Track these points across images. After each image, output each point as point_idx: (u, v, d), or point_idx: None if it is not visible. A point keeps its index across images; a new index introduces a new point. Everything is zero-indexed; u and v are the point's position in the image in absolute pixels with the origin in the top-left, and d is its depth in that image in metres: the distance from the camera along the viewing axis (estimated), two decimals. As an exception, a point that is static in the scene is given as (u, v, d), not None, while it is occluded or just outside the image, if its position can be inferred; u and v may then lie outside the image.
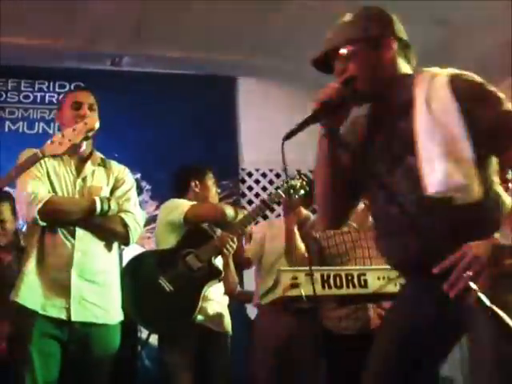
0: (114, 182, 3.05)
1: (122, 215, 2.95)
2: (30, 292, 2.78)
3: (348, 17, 2.01)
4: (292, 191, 3.43)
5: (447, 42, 4.85)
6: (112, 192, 3.02)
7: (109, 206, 2.89)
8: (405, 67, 2.00)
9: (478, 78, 1.88)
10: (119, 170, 3.13)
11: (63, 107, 3.06)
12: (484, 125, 1.78)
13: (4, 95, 5.26)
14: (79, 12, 4.64)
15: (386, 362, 1.98)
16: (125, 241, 3.00)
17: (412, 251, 1.84)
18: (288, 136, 1.86)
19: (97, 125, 2.61)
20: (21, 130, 5.23)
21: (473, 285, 1.59)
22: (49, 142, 2.59)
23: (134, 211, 3.02)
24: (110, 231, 2.95)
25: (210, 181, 3.69)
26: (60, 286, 2.80)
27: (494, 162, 1.89)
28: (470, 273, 1.60)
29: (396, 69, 1.98)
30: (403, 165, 1.88)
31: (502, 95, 1.83)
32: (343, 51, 1.95)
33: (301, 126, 1.88)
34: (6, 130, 5.17)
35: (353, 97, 1.93)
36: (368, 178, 1.99)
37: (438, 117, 1.81)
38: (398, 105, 1.94)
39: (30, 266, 2.83)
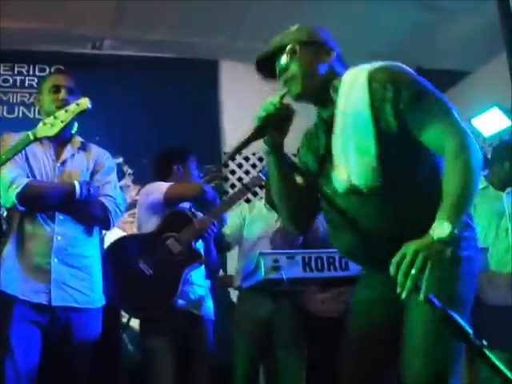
0: (94, 166, 3.03)
1: (102, 199, 2.93)
2: (10, 277, 2.77)
3: (294, 26, 2.15)
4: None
5: (433, 24, 4.84)
6: (92, 176, 3.00)
7: (88, 190, 2.87)
8: (340, 72, 2.10)
9: (394, 68, 1.99)
10: (99, 153, 3.10)
11: (42, 91, 3.03)
12: (400, 109, 1.89)
13: (-16, 78, 5.21)
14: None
15: (356, 363, 2.10)
16: (105, 225, 2.99)
17: (351, 242, 2.02)
18: (231, 156, 2.05)
19: (89, 105, 2.60)
20: (0, 114, 5.17)
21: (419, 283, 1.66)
22: (41, 124, 2.58)
23: (115, 195, 3.00)
24: (90, 215, 2.93)
25: (193, 164, 3.66)
26: (40, 271, 2.79)
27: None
28: (413, 271, 1.67)
29: (332, 76, 2.08)
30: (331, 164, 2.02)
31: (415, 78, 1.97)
32: (286, 51, 2.06)
33: (242, 145, 1.97)
34: (-14, 114, 5.12)
35: (288, 111, 2.02)
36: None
37: (350, 115, 1.96)
38: (329, 109, 2.06)
39: (10, 251, 2.81)
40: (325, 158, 2.07)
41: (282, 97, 2.02)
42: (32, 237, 2.83)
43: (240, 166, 5.70)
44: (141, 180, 5.16)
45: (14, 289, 2.75)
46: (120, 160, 5.16)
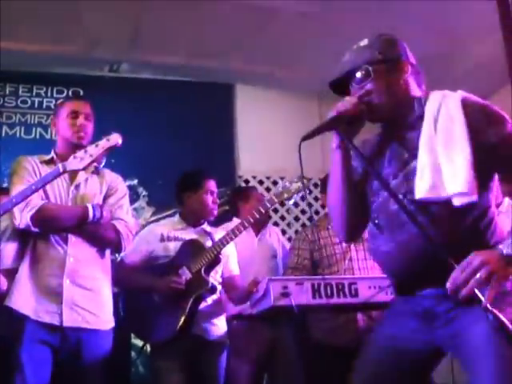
0: (107, 190, 3.08)
1: (115, 222, 2.98)
2: (23, 297, 2.81)
3: (364, 41, 2.13)
4: (286, 195, 3.40)
5: (447, 51, 4.86)
6: (105, 200, 3.05)
7: (101, 213, 2.92)
8: (416, 90, 2.10)
9: (484, 102, 2.00)
10: (112, 177, 3.15)
11: (60, 114, 3.10)
12: (492, 141, 1.89)
13: (1, 100, 5.25)
14: (78, 18, 4.65)
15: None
16: (117, 248, 3.03)
17: (395, 249, 1.97)
18: (304, 138, 1.93)
19: (119, 141, 2.66)
20: (18, 135, 5.22)
21: (478, 291, 1.64)
22: (71, 157, 2.65)
23: (127, 219, 3.05)
24: (103, 238, 2.98)
25: (204, 191, 3.65)
26: (52, 292, 2.83)
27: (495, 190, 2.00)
28: (478, 277, 1.65)
29: (409, 91, 2.08)
30: (406, 169, 1.99)
31: (507, 116, 1.95)
32: (361, 72, 2.06)
33: (317, 130, 1.97)
34: (3, 134, 5.16)
35: (369, 113, 2.03)
36: (374, 181, 2.09)
37: (442, 129, 1.93)
38: (409, 122, 2.05)
39: (23, 271, 2.85)
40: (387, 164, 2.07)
41: (361, 99, 2.02)
42: (45, 258, 2.87)
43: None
44: (155, 201, 5.22)
45: (26, 308, 2.79)
46: (135, 182, 5.21)
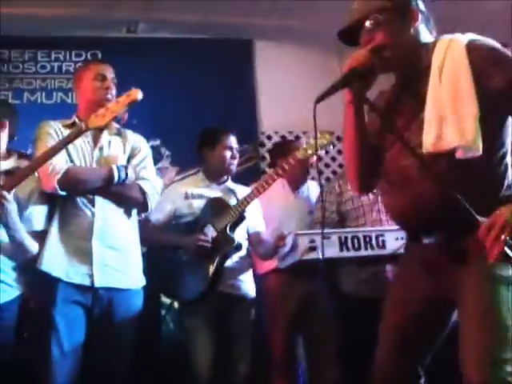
0: (131, 151, 3.09)
1: (140, 182, 3.00)
2: (54, 260, 2.86)
3: None
4: (310, 151, 3.37)
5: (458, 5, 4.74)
6: (129, 160, 3.06)
7: (126, 174, 2.94)
8: (427, 37, 2.06)
9: (494, 43, 1.94)
10: (135, 138, 3.16)
11: (84, 77, 3.08)
12: (499, 86, 1.85)
13: (21, 66, 5.25)
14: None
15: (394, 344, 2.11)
16: (143, 207, 3.05)
17: (423, 200, 1.95)
18: (319, 99, 1.90)
19: (139, 96, 2.65)
20: (39, 101, 5.23)
21: (507, 248, 1.66)
22: (93, 115, 2.65)
23: (152, 178, 3.06)
24: (129, 198, 3.00)
25: (222, 147, 3.65)
26: (82, 253, 2.88)
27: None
28: (503, 237, 1.66)
29: (420, 38, 2.04)
30: (417, 120, 1.97)
31: None
32: (370, 21, 2.00)
33: (331, 90, 1.93)
34: (25, 101, 5.17)
35: (381, 64, 1.98)
36: (387, 134, 2.07)
37: (447, 79, 1.89)
38: (419, 71, 2.00)
39: (53, 233, 2.90)
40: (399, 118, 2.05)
41: (372, 51, 1.97)
42: (73, 220, 2.91)
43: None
44: (178, 162, 5.22)
45: (58, 271, 2.84)
46: (157, 142, 5.21)
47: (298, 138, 5.40)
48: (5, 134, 2.97)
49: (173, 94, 5.33)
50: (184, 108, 5.31)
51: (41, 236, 2.89)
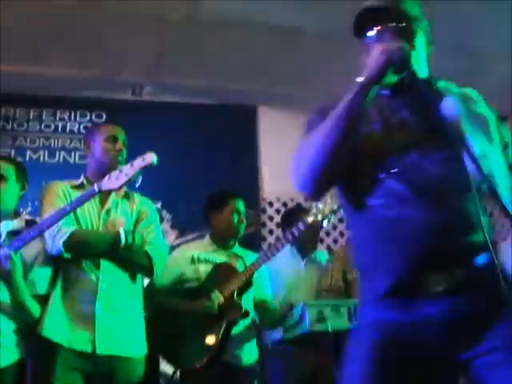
0: (138, 215, 3.05)
1: (146, 248, 2.95)
2: (55, 325, 2.78)
3: None
4: (320, 216, 3.33)
5: (473, 69, 4.82)
6: (135, 224, 3.02)
7: (133, 239, 2.89)
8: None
9: None
10: (142, 202, 3.13)
11: (96, 138, 3.07)
12: None
13: (25, 124, 5.27)
14: (100, 42, 4.66)
15: None
16: (149, 273, 2.99)
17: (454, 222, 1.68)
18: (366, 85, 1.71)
19: (155, 160, 2.63)
20: (42, 159, 5.23)
21: None
22: (106, 177, 2.62)
23: (158, 243, 3.02)
24: (135, 264, 2.95)
25: (230, 211, 3.63)
26: (85, 318, 2.80)
27: None
28: None
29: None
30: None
31: None
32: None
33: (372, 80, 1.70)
34: (27, 158, 5.16)
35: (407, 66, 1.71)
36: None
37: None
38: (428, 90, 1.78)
39: (55, 297, 2.83)
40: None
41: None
42: (77, 283, 2.85)
43: (278, 211, 5.66)
44: (179, 225, 5.18)
45: (59, 337, 2.76)
46: (158, 205, 5.18)
47: (299, 205, 5.38)
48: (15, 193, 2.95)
49: (175, 157, 5.32)
50: (186, 171, 5.32)
51: (43, 299, 2.82)
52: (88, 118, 5.40)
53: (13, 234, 2.80)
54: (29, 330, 2.80)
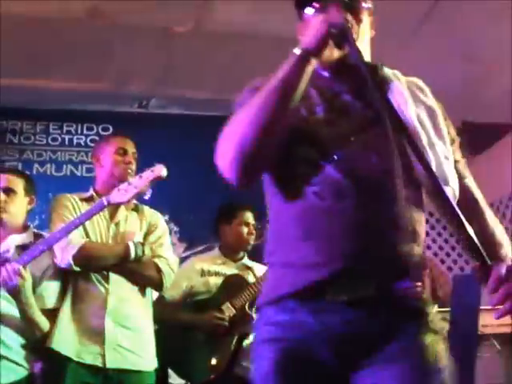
0: (147, 227, 3.04)
1: (156, 260, 2.94)
2: (65, 338, 2.77)
3: None
4: None
5: (478, 77, 4.82)
6: (145, 237, 3.00)
7: (142, 252, 2.88)
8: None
9: None
10: (152, 215, 3.12)
11: (105, 150, 3.06)
12: None
13: (32, 138, 5.26)
14: (107, 55, 4.66)
15: None
16: (158, 286, 2.98)
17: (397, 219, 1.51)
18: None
19: (164, 173, 2.62)
20: (49, 173, 5.23)
21: None
22: (115, 189, 2.61)
23: (168, 256, 3.00)
24: (144, 277, 2.93)
25: (239, 223, 3.62)
26: (94, 332, 2.80)
27: None
28: None
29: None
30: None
31: None
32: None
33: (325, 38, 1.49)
34: (34, 172, 5.15)
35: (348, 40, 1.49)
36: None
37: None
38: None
39: (65, 311, 2.82)
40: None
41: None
42: (86, 297, 2.84)
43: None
44: (186, 237, 5.15)
45: (68, 350, 2.75)
46: (166, 217, 5.16)
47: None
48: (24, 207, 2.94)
49: (182, 169, 5.31)
50: (193, 184, 5.29)
51: (52, 313, 2.80)
52: (95, 130, 5.39)
53: (21, 248, 2.79)
54: (38, 345, 2.79)
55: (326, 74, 1.67)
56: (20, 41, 4.28)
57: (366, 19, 1.68)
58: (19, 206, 2.92)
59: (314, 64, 1.53)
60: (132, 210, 3.05)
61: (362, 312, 1.46)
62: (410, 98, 1.64)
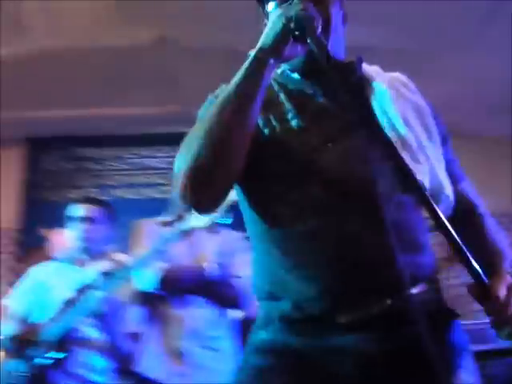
0: (225, 248, 3.06)
1: (234, 280, 2.95)
2: (150, 361, 2.83)
3: None
4: None
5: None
6: (223, 258, 3.03)
7: (220, 272, 2.90)
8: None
9: None
10: (229, 235, 3.14)
11: None
12: None
13: (110, 164, 5.42)
14: (175, 78, 4.74)
15: None
16: (237, 306, 3.00)
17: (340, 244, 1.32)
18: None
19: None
20: (126, 197, 5.35)
21: None
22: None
23: (245, 276, 3.01)
24: (223, 297, 2.95)
25: None
26: (175, 354, 2.83)
27: None
28: None
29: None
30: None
31: None
32: None
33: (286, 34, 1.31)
34: (112, 197, 5.26)
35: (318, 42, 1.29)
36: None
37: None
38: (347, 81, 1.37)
39: (149, 335, 2.88)
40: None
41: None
42: (168, 319, 2.88)
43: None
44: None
45: (156, 372, 2.80)
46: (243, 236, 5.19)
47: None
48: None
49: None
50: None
51: (136, 337, 2.87)
52: (169, 153, 5.48)
53: (105, 274, 2.87)
54: (122, 369, 2.86)
55: (295, 75, 1.52)
56: (93, 74, 4.44)
57: (337, 12, 1.51)
58: (99, 234, 3.01)
59: (279, 65, 1.43)
60: (210, 231, 3.08)
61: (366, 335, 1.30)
62: (395, 97, 1.47)
